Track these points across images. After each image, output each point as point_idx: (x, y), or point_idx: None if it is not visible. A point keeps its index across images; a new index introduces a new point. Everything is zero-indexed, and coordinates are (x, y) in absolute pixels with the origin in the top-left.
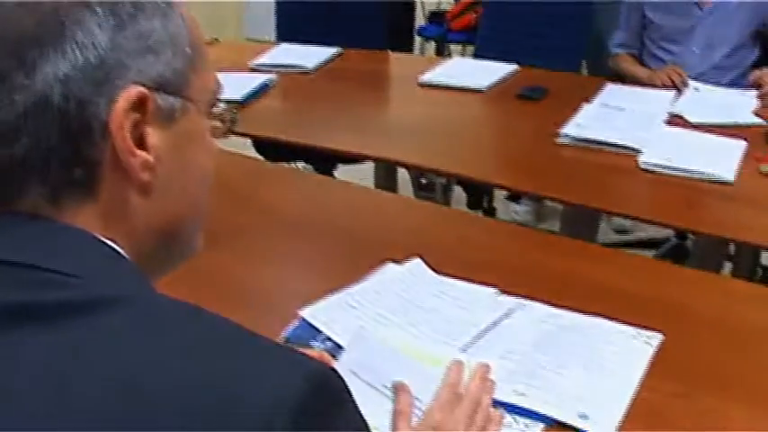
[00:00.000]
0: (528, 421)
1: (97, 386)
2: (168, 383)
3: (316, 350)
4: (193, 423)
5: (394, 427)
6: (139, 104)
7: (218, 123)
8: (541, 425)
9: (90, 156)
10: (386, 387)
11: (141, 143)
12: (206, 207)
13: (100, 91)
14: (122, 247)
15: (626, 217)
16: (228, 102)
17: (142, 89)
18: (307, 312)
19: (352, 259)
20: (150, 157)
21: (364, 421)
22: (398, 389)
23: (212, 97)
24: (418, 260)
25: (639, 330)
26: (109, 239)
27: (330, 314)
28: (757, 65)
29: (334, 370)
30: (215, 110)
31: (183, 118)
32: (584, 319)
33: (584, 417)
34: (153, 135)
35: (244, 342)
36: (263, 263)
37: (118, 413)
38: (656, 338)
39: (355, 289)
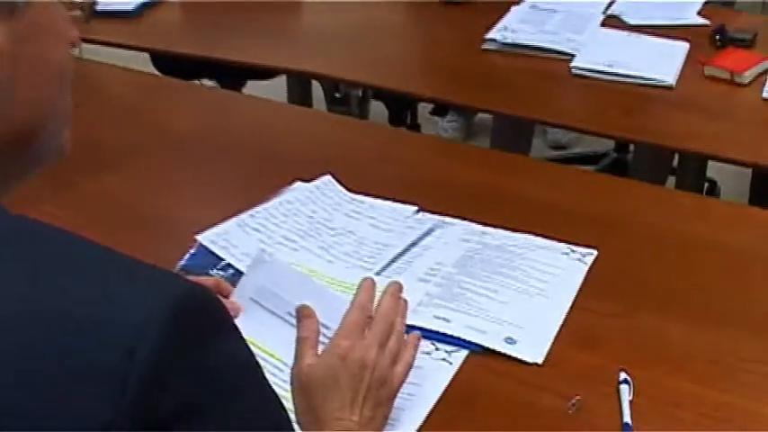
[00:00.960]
0: (450, 348)
1: None
2: (7, 313)
3: (213, 278)
4: (41, 358)
5: (298, 356)
6: None
7: (76, 12)
8: (465, 352)
9: None
10: (291, 315)
11: None
12: (69, 105)
13: None
14: None
15: (559, 127)
16: None
17: None
18: (205, 237)
19: (257, 180)
20: None
21: (248, 352)
22: (301, 314)
23: None
24: (328, 177)
25: (573, 247)
26: None
27: (231, 239)
28: None
29: (210, 293)
30: None
31: (29, 10)
32: (511, 235)
33: (511, 341)
34: None
35: (102, 263)
36: (158, 185)
37: None
38: (590, 255)
39: (259, 210)
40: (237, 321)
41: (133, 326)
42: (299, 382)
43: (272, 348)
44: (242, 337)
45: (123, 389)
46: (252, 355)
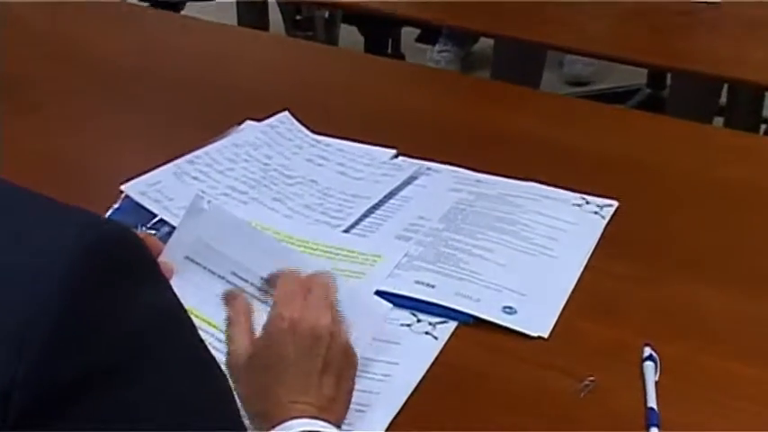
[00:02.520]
0: (435, 319)
1: None
2: None
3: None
4: None
5: (230, 343)
6: None
7: None
8: (453, 324)
9: None
10: (236, 275)
11: None
12: None
13: None
14: None
15: (577, 53)
16: None
17: None
18: (132, 188)
19: (199, 119)
20: None
21: (176, 305)
22: (227, 298)
23: None
24: (286, 115)
25: (588, 197)
26: None
27: (164, 189)
28: None
29: (131, 234)
30: None
31: None
32: (511, 184)
33: (510, 311)
34: None
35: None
36: (77, 127)
37: None
38: (609, 207)
39: (199, 155)
40: None
41: (35, 276)
42: (238, 370)
43: (213, 317)
44: (170, 287)
45: (19, 352)
46: (182, 310)
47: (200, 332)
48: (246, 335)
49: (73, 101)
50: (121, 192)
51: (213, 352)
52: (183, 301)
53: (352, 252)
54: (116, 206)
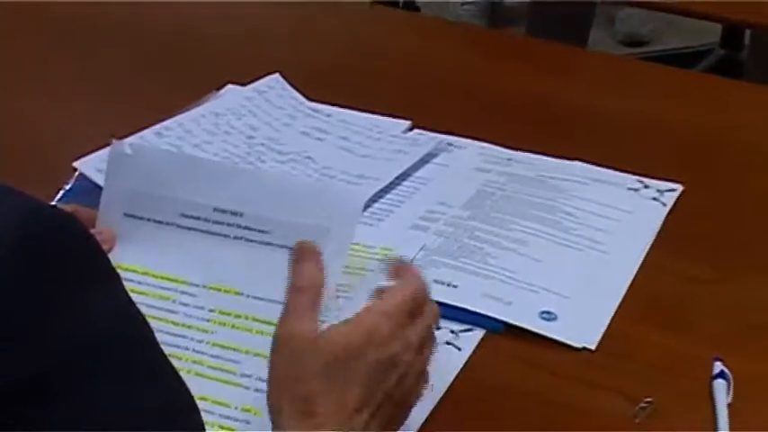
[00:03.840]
0: (458, 326)
1: None
2: None
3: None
4: None
5: (291, 313)
6: None
7: None
8: (480, 332)
9: None
10: (186, 216)
11: None
12: None
13: None
14: None
15: (633, 4)
16: None
17: None
18: (87, 165)
19: (172, 82)
20: None
21: (124, 305)
22: (298, 255)
23: None
24: (277, 78)
25: (646, 180)
26: None
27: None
28: None
29: (68, 218)
30: None
31: None
32: (551, 163)
33: (549, 316)
34: None
35: None
36: (20, 90)
37: None
38: (672, 192)
39: (169, 125)
40: (115, 253)
41: None
42: (293, 350)
43: (174, 271)
44: (122, 288)
45: None
46: (136, 314)
47: (166, 291)
48: (313, 314)
49: (17, 56)
50: (74, 169)
51: (184, 309)
52: (137, 264)
53: (357, 245)
54: (67, 187)
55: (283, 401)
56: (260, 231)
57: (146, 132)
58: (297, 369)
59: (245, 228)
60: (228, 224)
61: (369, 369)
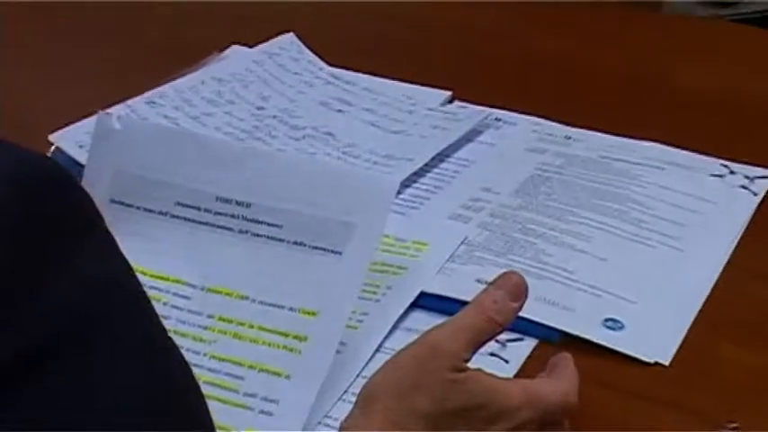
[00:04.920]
0: (505, 335)
1: None
2: None
3: None
4: None
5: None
6: None
7: None
8: (531, 342)
9: None
10: (183, 204)
11: None
12: None
13: None
14: None
15: None
16: None
17: None
18: (65, 138)
19: (166, 44)
20: None
21: (123, 268)
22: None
23: None
24: (290, 38)
25: (732, 164)
26: None
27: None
28: None
29: (73, 177)
30: None
31: None
32: (619, 143)
33: (614, 325)
34: None
35: None
36: (7, 61)
37: None
38: (764, 180)
39: (165, 91)
40: None
41: None
42: (429, 362)
43: (167, 270)
44: (114, 243)
45: None
46: (130, 273)
47: (157, 292)
48: (472, 346)
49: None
50: (50, 144)
51: (177, 313)
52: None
53: (386, 237)
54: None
55: (379, 400)
56: (270, 225)
57: (136, 100)
58: (420, 377)
59: (253, 221)
60: (233, 216)
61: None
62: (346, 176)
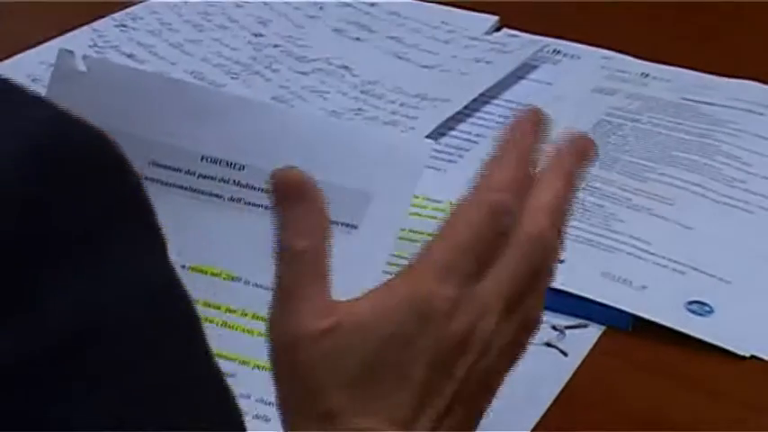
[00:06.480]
0: (564, 321)
1: None
2: None
3: None
4: None
5: (277, 315)
6: None
7: None
8: (597, 329)
9: None
10: (156, 164)
11: None
12: None
13: None
14: None
15: None
16: None
17: None
18: (15, 68)
19: None
20: None
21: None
22: (282, 187)
23: None
24: None
25: None
26: None
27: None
28: None
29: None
30: None
31: None
32: (708, 82)
33: (701, 309)
34: None
35: None
36: None
37: None
38: None
39: (136, 13)
40: None
41: None
42: (298, 357)
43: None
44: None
45: None
46: (181, 288)
47: None
48: (323, 293)
49: None
50: None
51: None
52: None
53: (417, 197)
54: None
55: (299, 424)
56: (266, 192)
57: (104, 23)
58: (310, 381)
59: (247, 186)
60: (222, 180)
61: (421, 359)
62: (365, 137)
